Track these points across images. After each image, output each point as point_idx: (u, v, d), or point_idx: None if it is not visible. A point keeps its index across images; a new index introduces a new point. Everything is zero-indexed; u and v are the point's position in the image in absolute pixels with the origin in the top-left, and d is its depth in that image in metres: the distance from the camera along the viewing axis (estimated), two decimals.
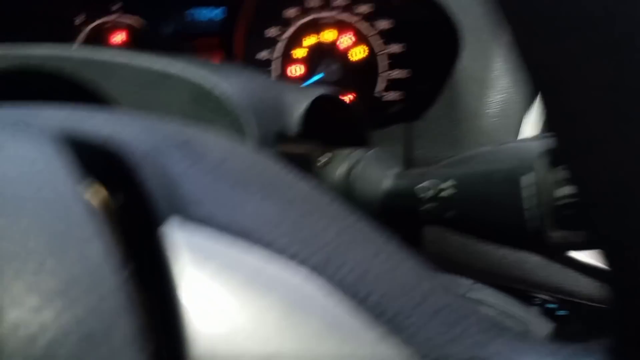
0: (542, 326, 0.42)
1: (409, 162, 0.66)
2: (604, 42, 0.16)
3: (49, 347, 0.14)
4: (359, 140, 0.50)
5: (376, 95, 0.73)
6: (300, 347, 0.18)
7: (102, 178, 0.20)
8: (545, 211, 0.32)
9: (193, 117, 0.39)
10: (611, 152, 0.17)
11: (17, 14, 0.73)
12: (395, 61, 0.72)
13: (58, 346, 0.14)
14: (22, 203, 0.16)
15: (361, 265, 0.21)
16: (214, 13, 0.74)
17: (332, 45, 0.73)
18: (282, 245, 0.21)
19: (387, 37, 0.72)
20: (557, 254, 0.57)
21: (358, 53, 0.73)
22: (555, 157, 0.33)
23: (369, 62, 0.73)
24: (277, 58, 0.74)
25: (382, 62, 0.72)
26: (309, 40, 0.73)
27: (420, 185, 0.37)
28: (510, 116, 0.66)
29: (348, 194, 0.41)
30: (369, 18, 0.72)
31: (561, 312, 0.64)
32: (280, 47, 0.74)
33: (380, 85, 0.73)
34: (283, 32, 0.73)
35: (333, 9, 0.73)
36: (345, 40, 0.73)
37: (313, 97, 0.44)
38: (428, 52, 0.70)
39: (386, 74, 0.73)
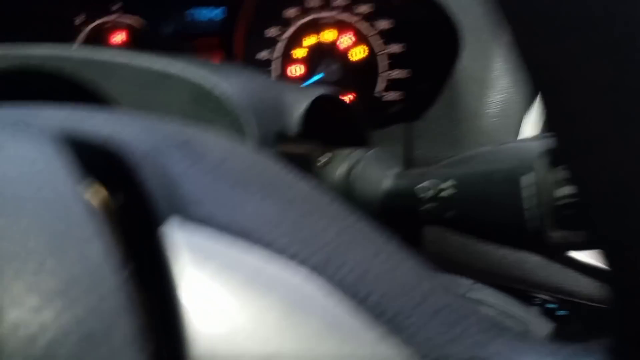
0: (542, 326, 0.42)
1: (408, 162, 0.66)
2: (604, 42, 0.16)
3: (49, 347, 0.14)
4: (358, 140, 0.50)
5: (376, 95, 0.73)
6: (300, 347, 0.18)
7: (102, 178, 0.20)
8: (545, 211, 0.32)
9: (193, 117, 0.39)
10: (611, 152, 0.17)
11: (17, 14, 0.73)
12: (395, 61, 0.72)
13: (58, 346, 0.14)
14: (22, 203, 0.16)
15: (361, 265, 0.21)
16: (214, 13, 0.74)
17: (332, 45, 0.73)
18: (282, 245, 0.20)
19: (387, 37, 0.72)
20: (557, 254, 0.57)
21: (358, 53, 0.73)
22: (555, 157, 0.33)
23: (369, 62, 0.73)
24: (277, 58, 0.74)
25: (382, 62, 0.72)
26: (309, 40, 0.73)
27: (420, 185, 0.37)
28: (510, 116, 0.66)
29: (348, 194, 0.41)
30: (369, 18, 0.72)
31: (561, 312, 0.64)
32: (280, 47, 0.74)
33: (380, 85, 0.73)
34: (283, 32, 0.73)
35: (333, 9, 0.73)
36: (345, 40, 0.73)
37: (313, 97, 0.44)
38: (428, 52, 0.70)
39: (386, 74, 0.73)
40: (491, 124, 0.66)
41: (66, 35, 0.75)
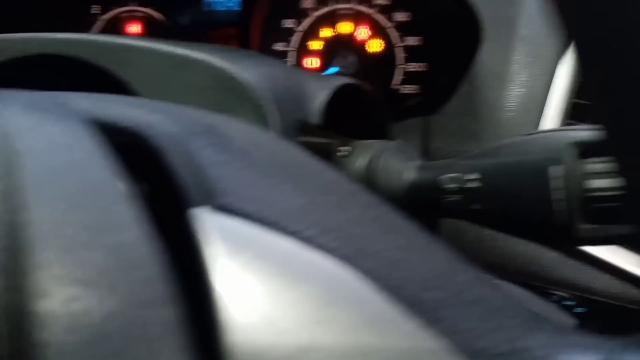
0: (564, 322, 0.42)
1: (426, 156, 0.66)
2: None
3: (88, 336, 0.13)
4: (379, 131, 0.50)
5: (393, 88, 0.72)
6: (336, 339, 0.17)
7: (132, 163, 0.20)
8: (574, 204, 0.32)
9: (214, 104, 0.38)
10: None
11: (34, 3, 0.72)
12: (412, 54, 0.72)
13: (97, 337, 0.13)
14: (58, 189, 0.16)
15: (394, 256, 0.21)
16: (230, 3, 0.73)
17: (349, 37, 0.73)
18: (313, 235, 0.20)
19: (405, 29, 0.71)
20: (585, 246, 0.56)
21: (375, 45, 0.72)
22: (585, 148, 0.32)
23: (386, 54, 0.72)
24: (293, 50, 0.73)
25: (399, 55, 0.72)
26: (326, 32, 0.73)
27: (445, 176, 0.37)
28: (529, 110, 0.65)
29: (369, 185, 0.41)
30: (386, 10, 0.71)
31: (579, 310, 0.63)
32: (296, 38, 0.73)
33: (397, 78, 0.72)
34: (299, 24, 0.73)
35: (350, 0, 0.72)
36: (362, 32, 0.72)
37: (335, 87, 0.44)
38: (446, 45, 0.69)
39: (403, 67, 0.72)
40: (510, 117, 0.65)
41: (82, 25, 0.75)
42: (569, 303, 0.63)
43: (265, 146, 0.26)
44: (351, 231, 0.21)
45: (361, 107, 0.50)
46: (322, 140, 0.42)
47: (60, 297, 0.14)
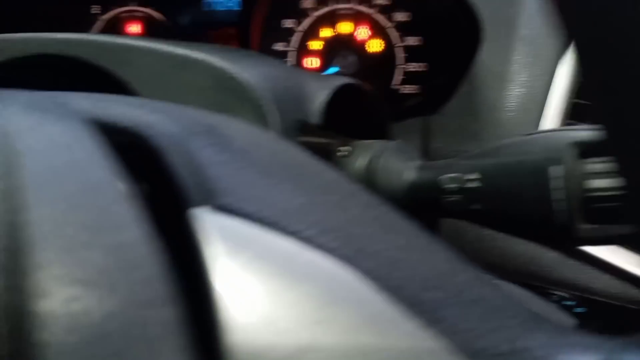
0: (564, 322, 0.42)
1: (426, 156, 0.66)
2: None
3: (88, 336, 0.13)
4: (379, 131, 0.50)
5: (392, 88, 0.72)
6: (336, 339, 0.17)
7: (133, 163, 0.20)
8: (574, 204, 0.32)
9: (214, 104, 0.38)
10: None
11: (33, 2, 0.72)
12: (412, 54, 0.72)
13: (97, 337, 0.13)
14: (58, 189, 0.16)
15: (394, 256, 0.21)
16: (231, 3, 0.73)
17: (349, 37, 0.73)
18: (313, 235, 0.20)
19: (404, 29, 0.71)
20: (585, 246, 0.56)
21: (375, 45, 0.72)
22: (585, 148, 0.32)
23: (386, 54, 0.72)
24: (293, 50, 0.73)
25: (399, 55, 0.72)
26: (326, 32, 0.73)
27: (445, 176, 0.37)
28: (529, 110, 0.65)
29: (369, 185, 0.41)
30: (386, 10, 0.71)
31: (578, 310, 0.63)
32: (296, 38, 0.73)
33: (397, 78, 0.72)
34: (299, 24, 0.73)
35: (350, 0, 0.72)
36: (362, 32, 0.72)
37: (335, 87, 0.44)
38: (446, 45, 0.69)
39: (403, 67, 0.72)
40: (510, 117, 0.65)
41: (82, 25, 0.74)
42: (568, 303, 0.63)
43: (265, 146, 0.26)
44: (351, 231, 0.21)
45: (361, 107, 0.50)
46: (322, 140, 0.42)
47: (60, 297, 0.13)
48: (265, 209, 0.20)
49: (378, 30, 0.72)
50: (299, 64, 0.73)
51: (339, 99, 0.44)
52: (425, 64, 0.72)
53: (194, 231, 0.18)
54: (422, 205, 0.39)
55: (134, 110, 0.23)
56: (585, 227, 0.32)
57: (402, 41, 0.72)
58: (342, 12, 0.72)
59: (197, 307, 0.16)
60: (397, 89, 0.72)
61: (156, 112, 0.24)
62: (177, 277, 0.16)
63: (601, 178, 0.31)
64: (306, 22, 0.73)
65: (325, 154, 0.42)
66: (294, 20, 0.73)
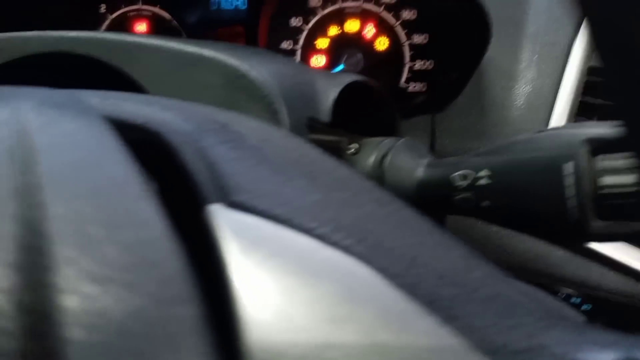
0: (578, 319, 0.41)
1: (432, 154, 0.66)
2: None
3: (110, 335, 0.13)
4: (389, 128, 0.50)
5: (400, 86, 0.72)
6: (354, 337, 0.17)
7: (147, 160, 0.19)
8: (588, 200, 0.32)
9: (225, 101, 0.38)
10: None
11: (42, 2, 0.72)
12: (419, 52, 0.71)
13: (118, 335, 0.13)
14: (77, 187, 0.16)
15: (409, 252, 0.21)
16: (238, 1, 0.73)
17: (356, 35, 0.72)
18: (327, 231, 0.20)
19: (411, 27, 0.71)
20: (594, 243, 0.56)
21: (382, 43, 0.72)
22: (598, 145, 0.32)
23: (392, 52, 0.72)
24: (300, 48, 0.73)
25: (406, 53, 0.72)
26: (333, 30, 0.73)
27: (455, 174, 0.37)
28: (537, 107, 0.65)
29: (378, 183, 0.41)
30: (393, 8, 0.71)
31: (585, 307, 0.63)
32: (303, 36, 0.73)
33: (404, 76, 0.72)
34: (307, 22, 0.73)
35: None
36: (369, 30, 0.72)
37: (344, 84, 0.43)
38: (453, 43, 0.69)
39: (410, 65, 0.72)
40: (518, 115, 0.65)
41: (90, 24, 0.74)
42: (575, 300, 0.63)
43: (277, 143, 0.26)
44: (366, 228, 0.21)
45: (370, 104, 0.50)
46: (332, 137, 0.42)
47: (81, 295, 0.13)
48: (280, 206, 0.20)
49: (385, 28, 0.72)
50: (305, 62, 0.73)
51: (348, 96, 0.44)
52: (431, 61, 0.72)
53: (208, 228, 0.18)
54: (432, 203, 0.39)
55: (145, 108, 0.23)
56: (598, 224, 0.32)
57: (409, 39, 0.71)
58: (349, 10, 0.72)
59: (215, 305, 0.16)
60: (404, 87, 0.72)
61: (168, 110, 0.24)
62: (195, 274, 0.16)
63: (615, 175, 0.31)
64: (313, 21, 0.73)
65: (335, 151, 0.42)
66: (301, 18, 0.73)
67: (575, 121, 0.62)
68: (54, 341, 0.13)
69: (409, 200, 0.39)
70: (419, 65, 0.72)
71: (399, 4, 0.71)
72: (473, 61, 0.65)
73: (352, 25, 0.72)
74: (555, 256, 0.63)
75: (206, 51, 0.39)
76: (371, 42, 0.72)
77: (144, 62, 0.40)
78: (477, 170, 0.36)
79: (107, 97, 0.24)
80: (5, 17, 0.69)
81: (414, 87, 0.72)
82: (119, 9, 0.76)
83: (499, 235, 0.63)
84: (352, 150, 0.43)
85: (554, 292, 0.63)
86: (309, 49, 0.73)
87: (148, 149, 0.21)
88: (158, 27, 0.75)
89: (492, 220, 0.37)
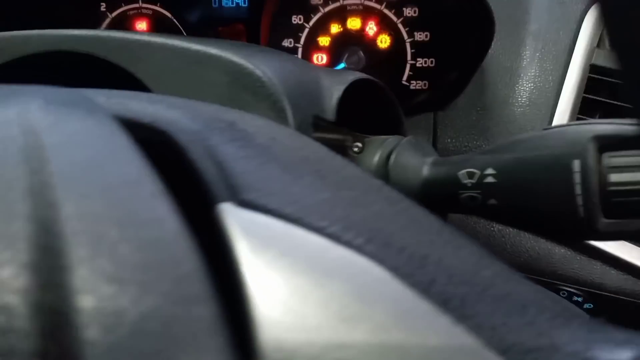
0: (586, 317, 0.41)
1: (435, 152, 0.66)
2: None
3: (126, 335, 0.13)
4: (393, 126, 0.49)
5: (402, 83, 0.72)
6: (367, 337, 0.17)
7: (156, 159, 0.19)
8: (596, 198, 0.32)
9: (230, 99, 0.38)
10: None
11: (43, 1, 0.72)
12: (421, 49, 0.71)
13: (135, 335, 0.13)
14: (90, 187, 0.16)
15: (420, 251, 0.20)
16: None
17: (357, 33, 0.72)
18: (338, 230, 0.20)
19: (414, 25, 0.71)
20: (600, 241, 0.56)
21: (384, 41, 0.72)
22: (605, 142, 0.32)
23: (395, 50, 0.72)
24: (302, 45, 0.73)
25: (408, 51, 0.72)
26: (334, 28, 0.72)
27: (461, 172, 0.36)
28: (539, 105, 0.65)
29: (383, 181, 0.41)
30: (395, 5, 0.71)
31: (587, 305, 0.63)
32: (305, 34, 0.73)
33: (406, 73, 0.72)
34: (308, 20, 0.73)
35: None
36: (371, 28, 0.72)
37: (349, 82, 0.43)
38: (456, 40, 0.69)
39: (412, 63, 0.72)
40: (520, 113, 0.65)
41: (91, 23, 0.74)
42: (577, 299, 0.63)
43: (284, 141, 0.26)
44: (376, 227, 0.21)
45: (374, 103, 0.49)
46: (336, 136, 0.42)
47: (97, 295, 0.13)
48: (289, 205, 0.20)
49: (386, 26, 0.72)
50: (308, 60, 0.73)
51: (352, 94, 0.44)
52: (433, 59, 0.71)
53: (220, 227, 0.18)
54: (438, 201, 0.39)
55: (151, 106, 0.23)
56: (605, 222, 0.32)
57: (411, 37, 0.71)
58: (351, 7, 0.72)
59: (228, 304, 0.16)
60: (407, 85, 0.72)
61: (174, 108, 0.24)
62: (212, 273, 0.16)
63: (623, 172, 0.31)
64: (315, 18, 0.72)
65: (339, 149, 0.41)
66: (302, 16, 0.73)
67: (578, 119, 0.62)
68: (70, 341, 0.13)
69: (414, 199, 0.39)
70: (420, 63, 0.72)
71: (401, 1, 0.71)
72: (475, 59, 0.65)
73: (353, 23, 0.72)
74: (558, 255, 0.63)
75: (211, 49, 0.39)
76: (373, 40, 0.72)
77: (148, 61, 0.40)
78: (484, 168, 0.35)
79: (112, 95, 0.24)
80: (5, 17, 0.68)
81: (415, 85, 0.72)
82: (119, 7, 0.75)
83: (502, 234, 0.63)
84: (357, 148, 0.42)
85: (556, 291, 0.63)
86: (311, 46, 0.73)
87: (155, 147, 0.21)
88: (158, 26, 0.75)
89: (498, 219, 0.37)
